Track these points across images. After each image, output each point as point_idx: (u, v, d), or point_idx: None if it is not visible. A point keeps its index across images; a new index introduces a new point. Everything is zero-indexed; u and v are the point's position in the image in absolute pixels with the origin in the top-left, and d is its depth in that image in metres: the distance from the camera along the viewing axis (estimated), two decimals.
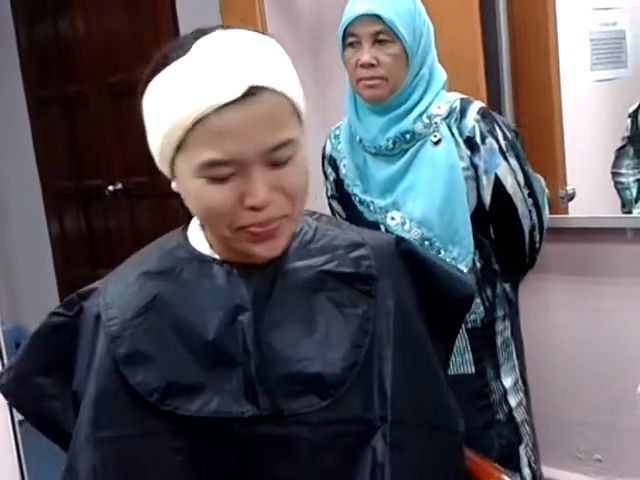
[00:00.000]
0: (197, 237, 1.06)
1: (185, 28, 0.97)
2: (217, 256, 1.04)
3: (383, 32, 1.76)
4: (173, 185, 1.02)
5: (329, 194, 2.08)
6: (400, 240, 1.15)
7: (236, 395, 0.98)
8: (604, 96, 2.81)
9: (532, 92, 2.49)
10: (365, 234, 1.14)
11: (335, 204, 2.08)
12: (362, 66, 1.78)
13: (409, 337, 1.08)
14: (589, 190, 2.59)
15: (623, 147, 2.56)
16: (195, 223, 1.08)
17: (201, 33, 0.96)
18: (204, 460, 0.99)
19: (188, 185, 0.96)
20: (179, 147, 0.94)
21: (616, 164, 2.58)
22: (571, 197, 2.51)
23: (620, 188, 2.58)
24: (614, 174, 2.60)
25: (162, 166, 1.01)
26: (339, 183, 1.99)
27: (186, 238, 1.07)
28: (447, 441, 1.09)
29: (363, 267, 1.07)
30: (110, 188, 4.03)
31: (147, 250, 1.10)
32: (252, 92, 0.90)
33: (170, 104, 0.93)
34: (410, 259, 1.13)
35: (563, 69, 2.48)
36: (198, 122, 0.91)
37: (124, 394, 0.98)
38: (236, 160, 0.91)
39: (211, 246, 1.05)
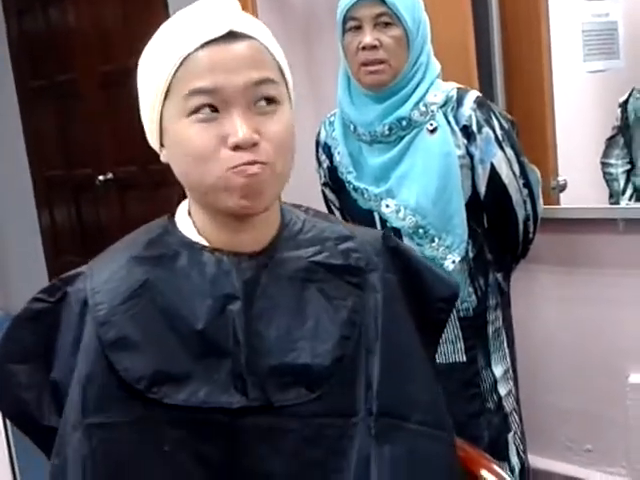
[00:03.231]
0: (185, 223, 1.06)
1: None
2: (206, 243, 1.03)
3: (385, 14, 1.75)
4: (162, 156, 1.03)
5: (322, 182, 2.08)
6: (387, 236, 1.15)
7: (225, 386, 0.97)
8: (597, 87, 2.82)
9: (524, 83, 2.48)
10: (353, 228, 1.14)
11: (328, 192, 2.07)
12: (364, 48, 1.77)
13: (397, 332, 1.07)
14: (581, 181, 2.60)
15: (614, 137, 2.57)
16: (183, 209, 1.08)
17: None
18: (191, 450, 0.98)
19: (175, 133, 0.98)
20: (167, 93, 0.97)
21: (606, 153, 2.60)
22: (563, 188, 2.52)
23: (609, 179, 2.60)
24: (603, 164, 2.61)
25: (151, 130, 1.03)
26: (332, 170, 1.99)
27: (174, 224, 1.06)
28: (437, 437, 1.08)
29: (352, 259, 1.07)
30: (100, 178, 4.02)
31: (133, 236, 1.09)
32: (233, 35, 0.96)
33: (158, 53, 0.98)
34: (397, 255, 1.13)
35: (555, 60, 2.48)
36: (184, 61, 0.95)
37: (112, 380, 0.97)
38: (219, 90, 0.94)
39: (199, 232, 1.04)
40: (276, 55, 1.00)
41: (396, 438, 1.02)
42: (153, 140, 1.04)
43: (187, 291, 1.00)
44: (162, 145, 1.03)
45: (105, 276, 1.03)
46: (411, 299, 1.12)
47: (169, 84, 0.96)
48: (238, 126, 0.94)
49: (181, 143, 0.97)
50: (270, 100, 0.97)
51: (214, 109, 0.95)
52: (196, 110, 0.95)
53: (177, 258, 1.02)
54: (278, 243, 1.05)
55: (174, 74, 0.96)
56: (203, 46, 0.94)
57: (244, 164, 0.94)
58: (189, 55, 0.95)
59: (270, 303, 1.01)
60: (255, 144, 0.95)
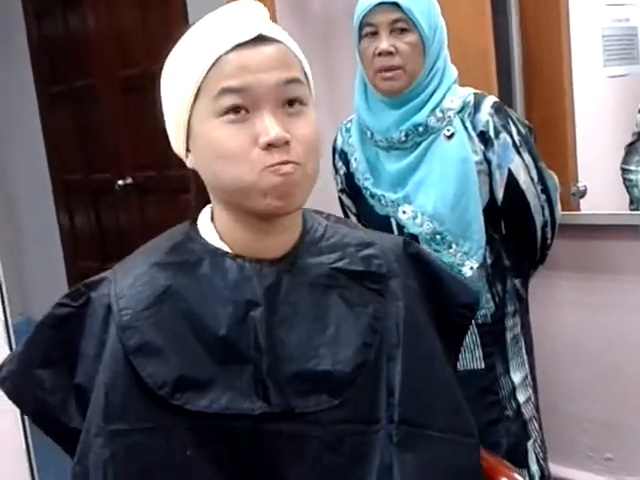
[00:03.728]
0: (207, 229, 1.06)
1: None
2: (228, 249, 1.03)
3: (401, 20, 1.76)
4: (188, 162, 1.04)
5: (339, 188, 2.08)
6: (408, 242, 1.15)
7: (247, 392, 0.98)
8: (616, 92, 2.79)
9: (544, 88, 2.47)
10: (373, 234, 1.14)
11: (345, 198, 2.08)
12: (380, 54, 1.78)
13: (418, 339, 1.08)
14: (601, 187, 2.58)
15: (633, 143, 2.55)
16: (205, 215, 1.08)
17: None
18: (213, 456, 0.98)
19: (204, 135, 0.98)
20: (197, 95, 0.98)
21: (626, 160, 2.57)
22: (583, 194, 2.50)
23: (629, 185, 2.57)
24: (623, 170, 2.58)
25: (177, 134, 1.03)
26: (349, 176, 1.99)
27: (196, 230, 1.07)
28: (461, 443, 1.08)
29: (373, 266, 1.08)
30: (120, 182, 4.03)
31: (156, 242, 1.09)
32: (262, 38, 0.97)
33: (188, 56, 0.99)
34: (417, 262, 1.14)
35: (575, 65, 2.46)
36: (215, 62, 0.96)
37: (135, 386, 0.97)
38: (249, 89, 0.95)
39: (221, 238, 1.04)
40: (301, 59, 1.02)
41: (419, 446, 1.02)
42: (179, 145, 1.04)
43: (209, 297, 1.00)
44: (188, 150, 1.03)
45: (129, 282, 1.03)
46: (432, 305, 1.12)
47: (199, 86, 0.97)
48: (269, 125, 0.94)
49: (211, 144, 0.97)
50: (298, 101, 0.98)
51: (245, 109, 0.95)
52: (226, 110, 0.95)
53: (200, 264, 1.03)
54: (300, 249, 1.05)
55: (205, 76, 0.97)
56: (234, 49, 0.95)
57: (278, 164, 0.95)
58: (220, 57, 0.96)
59: (291, 309, 1.01)
60: (287, 143, 0.95)
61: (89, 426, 0.99)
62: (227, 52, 0.96)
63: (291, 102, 0.97)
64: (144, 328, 0.99)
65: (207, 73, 0.96)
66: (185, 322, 1.00)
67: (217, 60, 0.96)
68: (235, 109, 0.95)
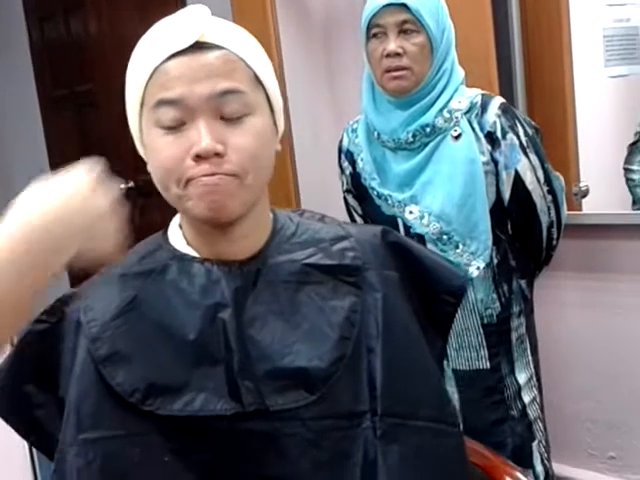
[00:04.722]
0: (176, 236, 1.07)
1: None
2: (196, 254, 1.04)
3: (409, 21, 1.77)
4: (148, 167, 1.03)
5: (344, 188, 2.08)
6: (387, 231, 1.14)
7: (220, 392, 0.97)
8: (618, 92, 2.79)
9: (545, 89, 2.47)
10: (349, 227, 1.13)
11: (350, 198, 2.08)
12: (388, 56, 1.78)
13: (398, 329, 1.06)
14: (603, 186, 2.58)
15: (635, 142, 2.54)
16: (175, 222, 1.09)
17: None
18: (191, 459, 0.98)
19: (148, 144, 0.99)
20: (142, 105, 0.98)
21: (628, 160, 2.57)
22: (585, 194, 2.50)
23: (631, 185, 2.57)
24: (626, 170, 2.58)
25: (137, 143, 1.04)
26: (355, 177, 1.99)
27: (166, 239, 1.07)
28: (446, 432, 1.07)
29: (348, 258, 1.06)
30: (122, 186, 4.02)
31: (128, 254, 1.10)
32: (201, 46, 0.95)
33: (134, 66, 0.99)
34: (397, 250, 1.12)
35: (576, 65, 2.47)
36: (153, 73, 0.96)
37: (106, 396, 0.98)
38: (183, 101, 0.94)
39: (188, 243, 1.05)
40: (251, 63, 0.99)
41: (403, 436, 1.02)
42: (141, 152, 1.05)
43: (178, 303, 1.00)
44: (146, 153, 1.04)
45: (97, 294, 1.04)
46: (415, 294, 1.11)
47: (142, 97, 0.98)
48: (201, 136, 0.94)
49: (152, 154, 0.99)
50: (236, 112, 0.96)
51: (181, 120, 0.95)
52: (164, 121, 0.96)
53: (167, 271, 1.03)
54: (269, 249, 1.05)
55: (145, 86, 0.97)
56: (170, 58, 0.95)
57: (201, 176, 0.94)
58: (157, 68, 0.95)
59: (263, 309, 1.01)
60: (218, 154, 0.94)
61: (64, 436, 0.99)
62: (164, 62, 0.95)
63: (230, 111, 0.96)
64: (113, 338, 0.99)
65: (146, 84, 0.96)
66: (154, 329, 1.00)
67: (154, 71, 0.95)
68: (171, 120, 0.95)
